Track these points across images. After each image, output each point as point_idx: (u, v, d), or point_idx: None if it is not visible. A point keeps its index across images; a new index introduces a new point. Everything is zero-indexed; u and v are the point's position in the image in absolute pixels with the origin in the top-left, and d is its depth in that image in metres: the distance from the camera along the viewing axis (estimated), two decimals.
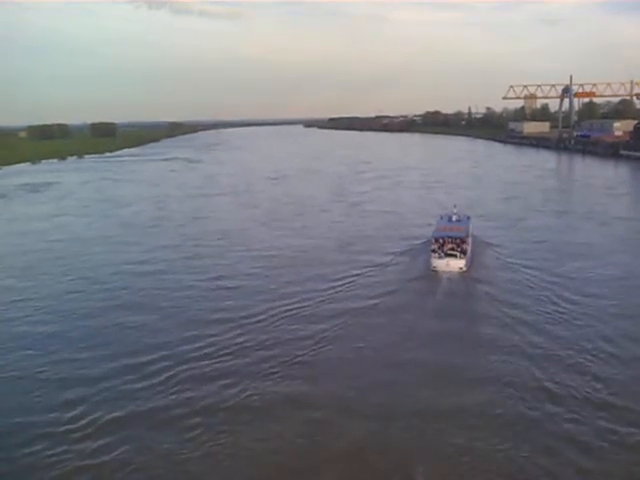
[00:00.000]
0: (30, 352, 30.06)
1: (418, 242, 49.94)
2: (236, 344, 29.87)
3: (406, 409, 23.51)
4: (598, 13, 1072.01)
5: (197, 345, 29.87)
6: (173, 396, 24.87)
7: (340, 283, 39.17)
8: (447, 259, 42.07)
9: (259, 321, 32.90)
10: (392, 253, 46.92)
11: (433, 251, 43.30)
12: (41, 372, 27.70)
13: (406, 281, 39.87)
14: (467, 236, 45.70)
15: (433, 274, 41.25)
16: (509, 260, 44.50)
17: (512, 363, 26.93)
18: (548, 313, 33.09)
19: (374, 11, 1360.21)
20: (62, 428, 22.75)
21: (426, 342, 29.88)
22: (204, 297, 37.81)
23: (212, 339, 30.58)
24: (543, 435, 21.37)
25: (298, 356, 28.37)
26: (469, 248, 44.25)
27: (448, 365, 27.23)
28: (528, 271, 41.08)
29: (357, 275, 40.95)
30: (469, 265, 42.61)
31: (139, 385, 25.92)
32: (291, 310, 34.45)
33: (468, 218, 51.47)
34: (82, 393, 25.33)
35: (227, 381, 25.97)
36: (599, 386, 24.69)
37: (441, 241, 44.26)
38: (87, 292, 39.78)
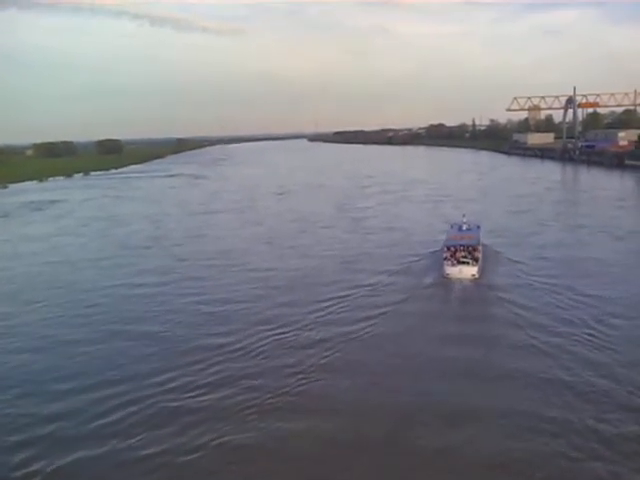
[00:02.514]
0: None
1: (426, 255, 50.17)
2: (237, 373, 28.46)
3: (432, 405, 24.66)
4: (600, 24, 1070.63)
5: (177, 374, 28.49)
6: (144, 434, 23.24)
7: (353, 292, 39.91)
8: (460, 266, 43.24)
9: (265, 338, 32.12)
10: (402, 264, 47.23)
11: (446, 259, 44.55)
12: None
13: (421, 288, 40.83)
14: (478, 244, 47.09)
15: (446, 281, 42.30)
16: (521, 268, 44.85)
17: (531, 362, 27.99)
18: (561, 316, 33.92)
19: (376, 24, 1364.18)
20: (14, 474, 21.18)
21: (447, 343, 31.02)
22: (194, 322, 36.07)
23: (200, 367, 29.13)
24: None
25: (326, 356, 29.65)
26: (480, 256, 45.35)
27: (470, 364, 28.26)
28: (540, 279, 41.43)
29: (370, 285, 41.66)
30: (481, 272, 43.31)
31: (111, 419, 24.50)
32: (311, 318, 35.13)
33: (478, 227, 52.53)
34: (40, 431, 23.88)
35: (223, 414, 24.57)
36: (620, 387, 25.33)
37: (453, 249, 45.55)
38: (68, 319, 38.01)
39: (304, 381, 27.25)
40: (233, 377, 27.83)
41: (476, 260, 44.27)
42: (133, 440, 22.80)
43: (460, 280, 42.27)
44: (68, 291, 44.76)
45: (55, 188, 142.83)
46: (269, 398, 25.54)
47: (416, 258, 49.36)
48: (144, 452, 22.00)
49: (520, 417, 23.14)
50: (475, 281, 42.28)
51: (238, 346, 31.54)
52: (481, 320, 34.43)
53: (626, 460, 20.23)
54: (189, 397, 26.11)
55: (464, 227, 51.53)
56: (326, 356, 29.80)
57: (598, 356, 28.44)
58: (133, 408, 25.26)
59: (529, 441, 21.56)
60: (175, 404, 25.52)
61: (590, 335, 31.03)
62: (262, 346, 31.42)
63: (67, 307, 40.60)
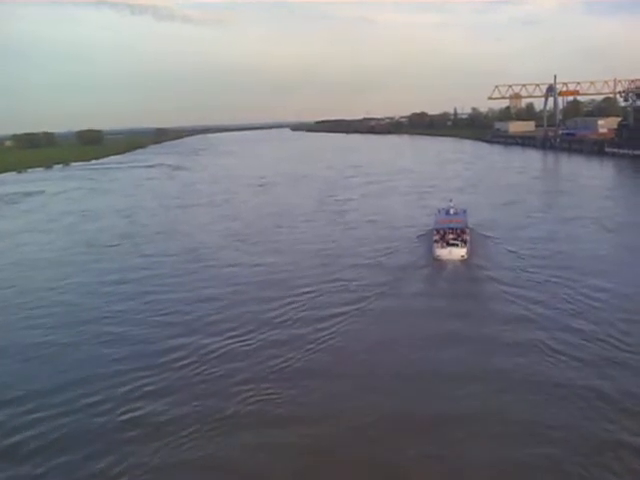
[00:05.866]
0: None
1: (415, 242, 51.12)
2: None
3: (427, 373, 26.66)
4: (579, 13, 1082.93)
5: (130, 378, 27.03)
6: (80, 451, 21.57)
7: (345, 276, 41.47)
8: (449, 248, 45.26)
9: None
10: (391, 251, 48.09)
11: (436, 241, 46.63)
12: None
13: (413, 269, 42.61)
14: (466, 227, 49.59)
15: (437, 262, 44.33)
16: (508, 250, 46.89)
17: (520, 329, 30.33)
18: (547, 291, 36.09)
19: (359, 13, 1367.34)
20: None
21: (441, 316, 33.03)
22: (151, 324, 34.26)
23: (154, 373, 27.61)
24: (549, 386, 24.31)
25: (333, 332, 31.25)
26: (468, 238, 47.60)
27: (465, 333, 30.31)
28: (529, 262, 43.04)
29: (362, 268, 43.49)
30: (470, 254, 45.36)
31: (38, 432, 22.97)
32: (310, 298, 36.74)
33: (464, 211, 54.55)
34: None
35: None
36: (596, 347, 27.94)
37: (442, 232, 47.72)
38: (13, 322, 36.39)
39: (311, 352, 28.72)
40: (191, 383, 26.37)
41: (465, 242, 46.37)
42: (66, 457, 21.28)
43: (450, 261, 44.19)
44: (19, 293, 42.52)
45: (33, 180, 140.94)
46: (247, 401, 24.52)
47: (405, 245, 50.12)
48: (79, 474, 20.39)
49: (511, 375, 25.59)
50: (464, 262, 44.26)
51: (202, 351, 29.84)
52: (472, 296, 36.52)
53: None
54: (138, 407, 24.50)
55: (451, 211, 53.42)
56: (329, 334, 30.90)
57: (582, 323, 30.71)
58: (69, 419, 23.85)
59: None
60: (128, 415, 23.91)
61: (575, 307, 33.14)
62: (229, 348, 30.25)
63: (14, 310, 38.64)
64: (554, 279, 38.12)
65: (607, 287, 36.10)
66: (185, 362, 28.58)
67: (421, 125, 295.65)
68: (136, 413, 24.06)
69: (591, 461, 19.45)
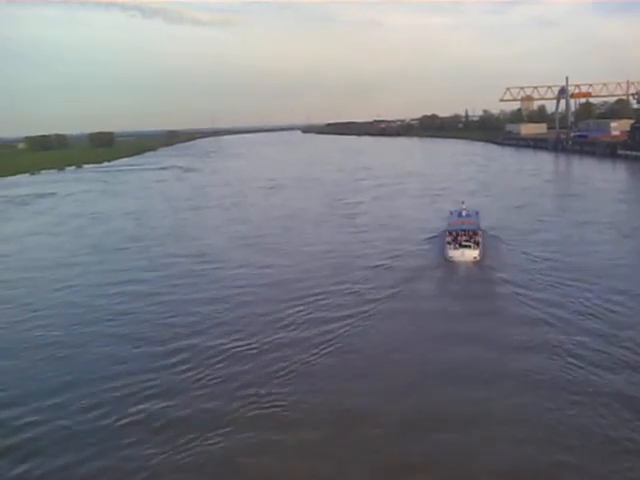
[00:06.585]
0: None
1: (427, 246, 50.89)
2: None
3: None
4: (592, 14, 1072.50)
5: (135, 380, 26.88)
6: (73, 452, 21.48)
7: (360, 278, 41.56)
8: (462, 250, 45.48)
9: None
10: (404, 253, 47.97)
11: (448, 243, 46.95)
12: None
13: (426, 270, 42.83)
14: (478, 229, 49.89)
15: (449, 264, 44.55)
16: (520, 250, 46.97)
17: (536, 332, 30.09)
18: (561, 293, 35.86)
19: (368, 16, 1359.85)
20: None
21: (456, 317, 33.11)
22: (153, 330, 33.58)
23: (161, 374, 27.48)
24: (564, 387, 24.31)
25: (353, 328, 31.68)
26: (481, 240, 47.67)
27: (480, 333, 30.51)
28: (541, 265, 42.70)
29: (376, 269, 43.66)
30: (482, 255, 45.54)
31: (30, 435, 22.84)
32: (325, 299, 36.76)
33: (477, 213, 54.72)
34: None
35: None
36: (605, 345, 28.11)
37: (455, 234, 48.05)
38: (11, 325, 36.05)
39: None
40: (194, 386, 26.21)
41: (477, 244, 46.60)
42: (65, 459, 21.19)
43: (462, 262, 44.48)
44: (26, 294, 42.39)
45: (45, 181, 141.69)
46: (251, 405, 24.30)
47: (417, 248, 50.12)
48: (78, 476, 20.32)
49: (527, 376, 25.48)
50: (477, 263, 44.54)
51: (206, 353, 29.61)
52: (485, 298, 36.60)
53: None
54: (140, 409, 24.34)
55: (464, 213, 53.94)
56: (336, 337, 30.62)
57: (599, 327, 30.44)
58: (69, 420, 23.80)
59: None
60: (129, 417, 23.78)
61: (591, 310, 32.75)
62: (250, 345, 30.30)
63: (21, 311, 38.52)
64: (568, 282, 37.74)
65: (624, 290, 35.71)
66: (189, 364, 28.41)
67: (432, 127, 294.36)
68: (138, 415, 23.91)
69: (611, 470, 19.08)
